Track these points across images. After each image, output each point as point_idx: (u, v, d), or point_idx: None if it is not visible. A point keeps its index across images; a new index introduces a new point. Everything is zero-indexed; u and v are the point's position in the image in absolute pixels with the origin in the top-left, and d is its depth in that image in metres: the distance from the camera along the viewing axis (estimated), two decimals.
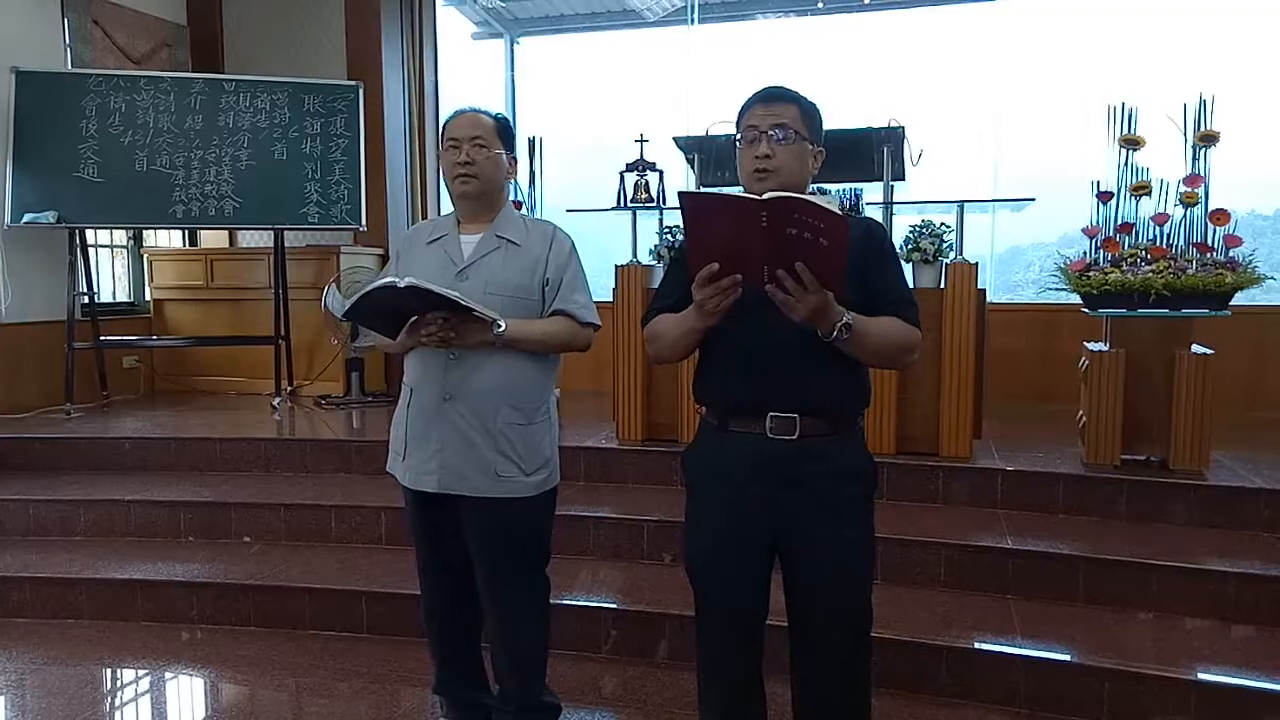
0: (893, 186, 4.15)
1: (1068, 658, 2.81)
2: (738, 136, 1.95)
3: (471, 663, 2.57)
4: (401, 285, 2.07)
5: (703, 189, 4.08)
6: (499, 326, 2.18)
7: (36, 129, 5.29)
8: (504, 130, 2.36)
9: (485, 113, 2.36)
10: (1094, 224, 3.89)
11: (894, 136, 4.04)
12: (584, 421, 4.78)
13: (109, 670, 3.24)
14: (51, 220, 5.25)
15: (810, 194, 1.92)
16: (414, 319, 2.19)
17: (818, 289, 1.67)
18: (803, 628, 1.99)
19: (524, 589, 2.40)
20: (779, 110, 1.90)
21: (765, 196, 1.61)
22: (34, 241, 5.43)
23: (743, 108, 1.97)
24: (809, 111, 1.94)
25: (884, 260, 1.96)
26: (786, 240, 1.62)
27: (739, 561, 1.97)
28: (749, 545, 1.96)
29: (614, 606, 3.25)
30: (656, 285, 2.19)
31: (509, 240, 2.32)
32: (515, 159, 2.41)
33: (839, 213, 1.59)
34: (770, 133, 1.88)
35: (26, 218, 5.23)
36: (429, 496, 2.32)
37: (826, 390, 1.90)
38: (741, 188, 1.96)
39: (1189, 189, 3.70)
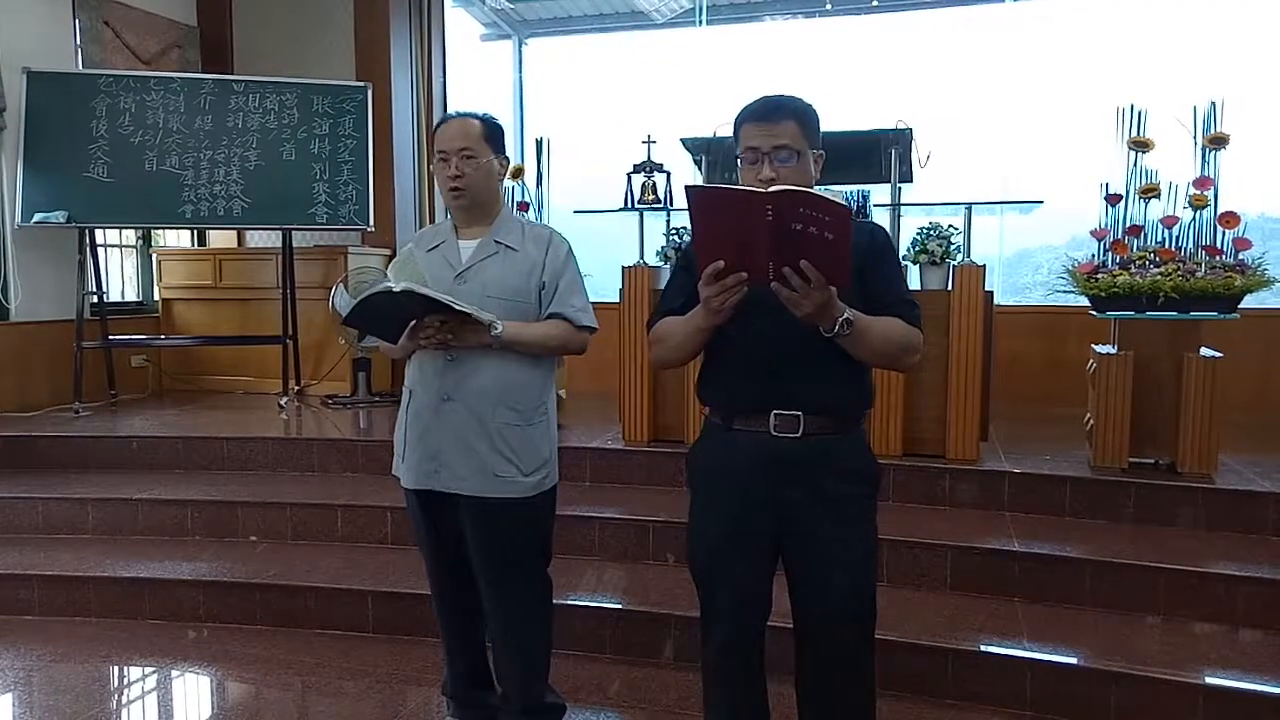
0: (900, 188, 4.15)
1: (1075, 661, 2.81)
2: (738, 153, 1.93)
3: (476, 662, 2.57)
4: (397, 289, 2.09)
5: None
6: (495, 328, 2.20)
7: (47, 129, 5.32)
8: (492, 133, 2.35)
9: (472, 116, 2.35)
10: (1102, 226, 3.87)
11: (902, 138, 4.03)
12: (589, 422, 4.78)
13: (116, 668, 3.25)
14: (61, 220, 5.28)
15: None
16: (414, 323, 2.22)
17: (823, 285, 1.68)
18: (805, 626, 2.00)
19: (524, 589, 2.41)
20: (778, 130, 1.86)
21: (771, 190, 1.62)
22: (44, 241, 5.46)
23: (740, 119, 1.93)
24: (807, 121, 1.91)
25: (885, 263, 1.97)
26: (792, 234, 1.63)
27: (742, 559, 1.97)
28: (752, 543, 1.96)
29: (619, 607, 3.25)
30: (663, 287, 2.19)
31: (506, 245, 2.35)
32: (507, 159, 2.42)
33: (842, 203, 1.61)
34: (772, 154, 1.86)
35: (37, 217, 5.26)
36: (429, 496, 2.34)
37: (830, 389, 1.90)
38: None
39: (1198, 191, 3.69)
